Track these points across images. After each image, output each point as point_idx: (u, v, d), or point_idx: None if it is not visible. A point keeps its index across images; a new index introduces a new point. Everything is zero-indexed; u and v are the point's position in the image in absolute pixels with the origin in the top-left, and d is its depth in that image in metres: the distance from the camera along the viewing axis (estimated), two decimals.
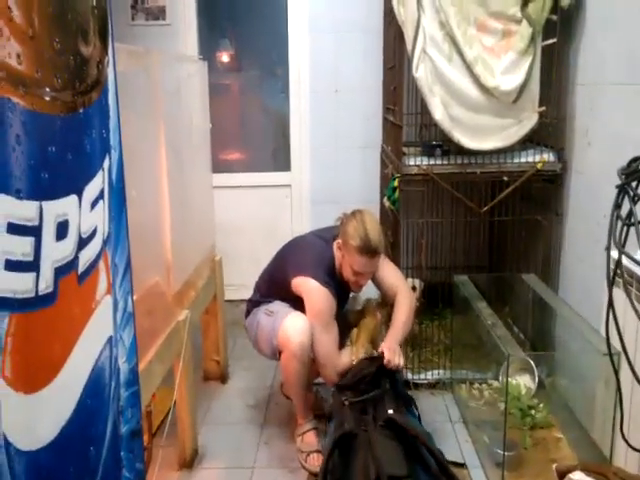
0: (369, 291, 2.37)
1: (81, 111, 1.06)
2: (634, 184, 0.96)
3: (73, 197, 1.00)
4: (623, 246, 0.96)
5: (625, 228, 0.97)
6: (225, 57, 3.67)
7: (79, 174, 1.04)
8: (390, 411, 1.76)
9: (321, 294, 2.04)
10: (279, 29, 3.46)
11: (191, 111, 2.41)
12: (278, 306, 2.17)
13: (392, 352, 2.00)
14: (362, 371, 1.97)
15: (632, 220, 0.94)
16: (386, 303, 2.28)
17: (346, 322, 2.26)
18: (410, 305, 2.18)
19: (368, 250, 1.99)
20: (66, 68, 1.01)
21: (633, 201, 0.95)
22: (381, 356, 2.00)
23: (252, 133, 3.75)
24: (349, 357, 2.06)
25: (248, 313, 2.31)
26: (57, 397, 0.93)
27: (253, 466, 2.10)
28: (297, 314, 2.08)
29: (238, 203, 3.58)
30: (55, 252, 0.93)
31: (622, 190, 0.97)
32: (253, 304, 2.30)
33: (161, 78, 1.95)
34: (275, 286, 2.22)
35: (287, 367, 2.07)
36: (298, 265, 2.12)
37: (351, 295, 2.33)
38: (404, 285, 2.24)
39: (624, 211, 0.98)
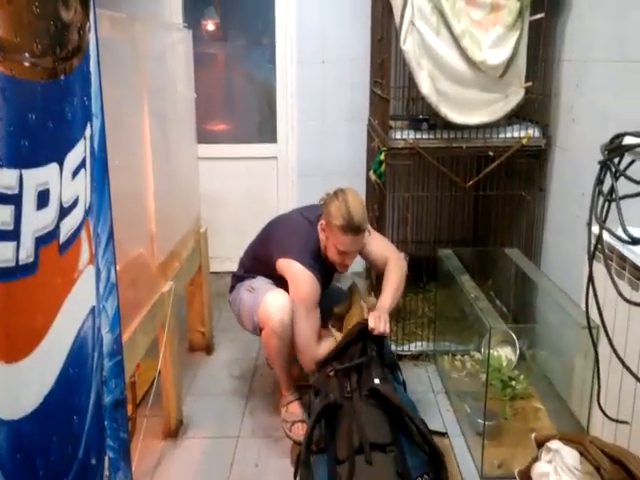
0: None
1: (62, 78, 1.03)
2: (616, 160, 0.97)
3: (54, 165, 0.98)
4: (604, 222, 0.97)
5: (606, 204, 0.98)
6: (210, 26, 3.60)
7: (60, 142, 1.02)
8: (376, 380, 1.78)
9: (306, 279, 2.03)
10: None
11: (175, 80, 2.37)
12: (260, 282, 2.18)
13: (377, 319, 1.99)
14: (347, 338, 1.98)
15: (613, 196, 0.95)
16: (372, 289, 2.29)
17: (330, 309, 2.27)
18: (401, 272, 2.17)
19: (352, 228, 1.98)
20: (46, 33, 0.98)
21: (615, 177, 0.96)
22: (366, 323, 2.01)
23: (238, 104, 3.71)
24: (329, 348, 2.03)
25: (232, 288, 2.31)
26: (39, 366, 0.93)
27: (238, 435, 2.13)
28: (278, 291, 2.08)
29: (224, 175, 3.55)
30: (36, 221, 0.92)
31: (604, 166, 0.98)
32: (237, 279, 2.30)
33: (145, 46, 1.91)
34: (259, 263, 2.22)
35: (268, 344, 2.09)
36: (283, 246, 2.12)
37: (336, 274, 2.34)
38: (394, 253, 2.22)
39: (606, 187, 0.99)
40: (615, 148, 0.98)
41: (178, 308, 2.16)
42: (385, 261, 2.19)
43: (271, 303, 2.04)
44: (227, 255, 3.40)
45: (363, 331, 2.00)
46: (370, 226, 2.22)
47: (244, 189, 3.60)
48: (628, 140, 0.97)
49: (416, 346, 2.64)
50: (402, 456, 1.55)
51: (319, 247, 2.12)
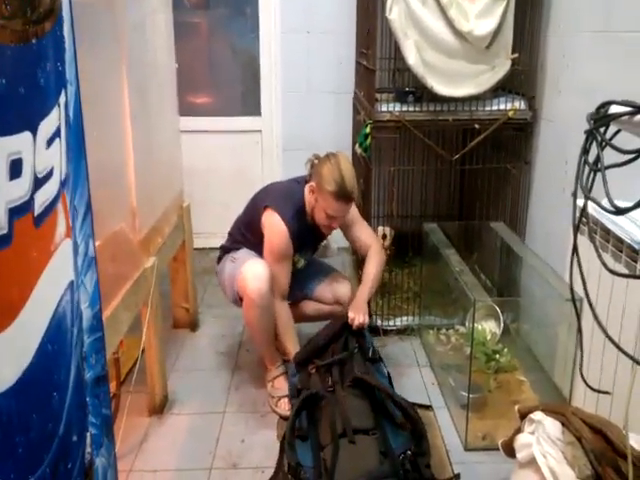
0: None
1: (34, 41, 0.98)
2: (602, 130, 0.95)
3: (27, 134, 0.94)
4: (589, 192, 0.96)
5: (592, 174, 0.97)
6: None
7: (33, 109, 0.98)
8: (358, 373, 1.79)
9: (280, 232, 2.04)
10: None
11: (155, 49, 2.31)
12: (243, 253, 2.18)
13: (357, 310, 2.03)
14: (328, 334, 1.99)
15: (599, 165, 0.94)
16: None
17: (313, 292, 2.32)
18: (380, 264, 2.21)
19: (344, 195, 1.97)
20: None
21: (601, 147, 0.95)
22: (346, 316, 2.02)
23: (221, 75, 3.63)
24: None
25: (219, 259, 2.30)
26: (16, 341, 0.91)
27: (224, 411, 2.12)
28: (257, 260, 2.08)
29: (207, 148, 3.50)
30: (9, 192, 0.88)
31: (590, 135, 0.96)
32: (224, 250, 2.29)
33: (123, 11, 1.85)
34: (247, 231, 2.21)
35: (248, 314, 2.08)
36: (268, 200, 2.13)
37: (323, 244, 2.33)
38: (377, 243, 2.27)
39: (592, 158, 0.97)
40: (601, 117, 0.96)
41: (162, 285, 2.14)
42: (367, 248, 2.23)
43: (249, 271, 2.03)
44: (211, 231, 3.36)
45: (344, 327, 2.01)
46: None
47: (228, 163, 3.55)
48: (614, 109, 0.95)
49: (401, 321, 2.65)
50: (385, 437, 1.56)
51: (304, 207, 2.12)
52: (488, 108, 2.44)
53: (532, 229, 2.53)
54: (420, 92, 2.46)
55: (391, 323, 2.63)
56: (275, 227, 2.05)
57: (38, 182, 0.96)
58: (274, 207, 2.07)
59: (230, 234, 2.33)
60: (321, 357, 1.94)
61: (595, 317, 1.01)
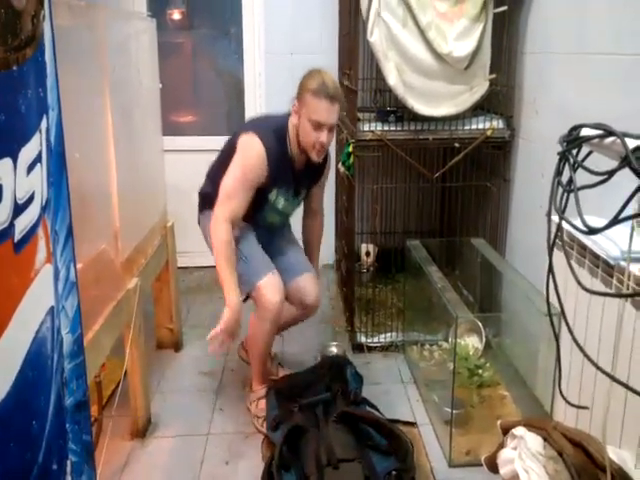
0: None
1: (15, 68, 0.99)
2: (574, 151, 0.98)
3: (7, 160, 0.95)
4: (563, 212, 0.99)
5: (566, 194, 1.00)
6: (176, 14, 3.54)
7: (14, 136, 0.98)
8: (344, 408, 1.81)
9: (258, 150, 1.94)
10: None
11: (139, 70, 2.32)
12: (247, 246, 2.09)
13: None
14: (311, 374, 2.03)
15: (572, 187, 0.97)
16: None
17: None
18: (321, 235, 2.42)
19: (327, 93, 1.91)
20: None
21: (573, 168, 0.98)
22: (333, 360, 2.06)
23: (205, 94, 3.65)
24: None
25: (201, 208, 2.25)
26: None
27: (208, 433, 2.11)
28: (272, 275, 2.04)
29: (191, 167, 3.47)
30: None
31: (563, 157, 0.99)
32: (204, 199, 2.21)
33: (106, 35, 1.86)
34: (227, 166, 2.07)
35: (257, 325, 2.07)
36: (247, 126, 2.08)
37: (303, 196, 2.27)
38: (322, 210, 2.41)
39: (565, 178, 1.00)
40: (573, 139, 0.99)
41: (145, 305, 2.13)
42: (315, 212, 2.37)
43: (268, 288, 2.01)
44: (195, 249, 3.35)
45: (327, 368, 2.02)
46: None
47: None
48: (585, 132, 0.98)
49: (385, 337, 2.66)
50: (370, 463, 1.57)
51: (286, 138, 2.03)
52: (467, 127, 2.48)
53: (512, 245, 2.57)
54: (401, 112, 2.50)
55: (375, 340, 2.64)
56: (252, 147, 1.95)
57: (18, 208, 0.96)
58: (254, 130, 1.99)
59: (209, 175, 2.25)
60: (303, 396, 1.95)
61: (572, 335, 1.03)
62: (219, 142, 3.49)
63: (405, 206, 2.98)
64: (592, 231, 0.86)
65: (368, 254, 2.97)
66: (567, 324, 0.97)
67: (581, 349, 0.94)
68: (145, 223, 2.30)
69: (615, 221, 0.81)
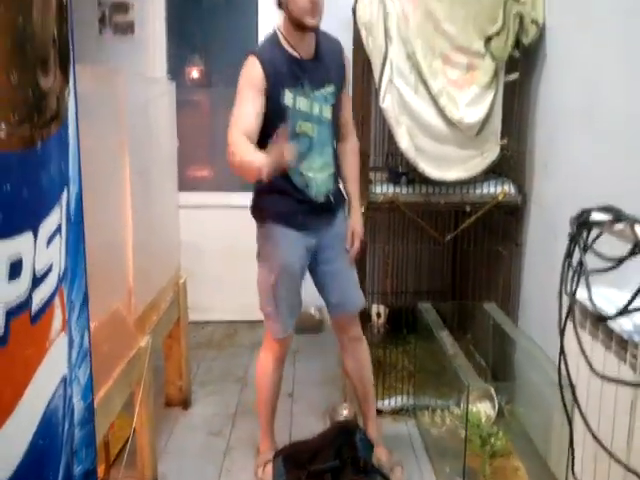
0: None
1: (39, 145, 1.03)
2: (584, 234, 0.99)
3: (28, 234, 0.97)
4: (574, 294, 0.99)
5: (576, 276, 1.00)
6: (195, 72, 3.67)
7: (35, 210, 1.01)
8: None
9: (252, 62, 1.91)
10: (250, 45, 3.47)
11: (158, 131, 2.40)
12: (283, 290, 2.06)
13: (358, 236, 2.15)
14: (321, 439, 1.99)
15: (582, 269, 0.97)
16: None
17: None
18: (358, 161, 2.20)
19: None
20: (24, 102, 0.98)
21: (583, 250, 0.99)
22: (342, 425, 2.05)
23: (221, 151, 3.73)
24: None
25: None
26: (7, 441, 0.90)
27: None
28: (287, 336, 2.10)
29: (205, 223, 3.55)
30: (7, 293, 0.90)
31: (573, 240, 1.00)
32: (253, 211, 2.30)
33: (126, 99, 1.93)
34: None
35: (262, 362, 2.14)
36: None
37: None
38: (354, 131, 2.21)
39: (576, 260, 1.01)
40: (583, 222, 1.01)
41: (155, 361, 2.13)
42: (346, 134, 2.16)
43: (280, 342, 2.10)
44: (207, 305, 3.36)
45: (337, 435, 2.00)
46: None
47: (225, 238, 3.59)
48: (594, 215, 1.00)
49: (396, 401, 2.61)
50: None
51: (279, 40, 1.96)
52: (479, 191, 2.51)
53: (525, 309, 2.55)
54: (412, 174, 2.54)
55: (386, 403, 2.60)
56: (244, 65, 1.93)
57: (37, 281, 0.98)
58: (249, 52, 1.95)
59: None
60: (311, 463, 1.92)
61: (586, 423, 1.01)
62: (233, 198, 3.60)
63: (416, 267, 2.99)
64: (602, 319, 0.87)
65: (379, 315, 2.96)
66: (580, 411, 0.96)
67: (595, 437, 0.93)
68: (158, 280, 2.33)
69: (625, 311, 0.82)
